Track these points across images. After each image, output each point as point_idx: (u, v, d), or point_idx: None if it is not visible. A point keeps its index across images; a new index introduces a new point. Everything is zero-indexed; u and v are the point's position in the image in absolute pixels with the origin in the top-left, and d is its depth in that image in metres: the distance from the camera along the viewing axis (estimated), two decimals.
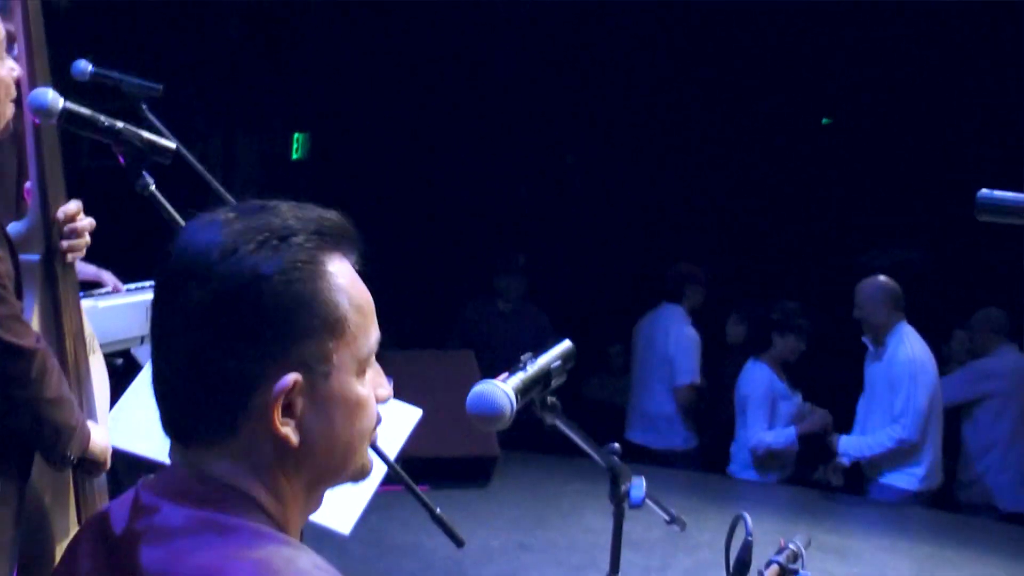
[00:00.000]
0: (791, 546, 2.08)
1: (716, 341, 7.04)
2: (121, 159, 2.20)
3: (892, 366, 5.58)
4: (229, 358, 1.14)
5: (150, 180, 2.20)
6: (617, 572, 2.18)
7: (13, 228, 2.37)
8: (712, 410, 6.87)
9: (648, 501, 2.17)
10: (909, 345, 5.57)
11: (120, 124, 2.21)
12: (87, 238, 2.46)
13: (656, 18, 9.04)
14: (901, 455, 5.62)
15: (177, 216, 2.17)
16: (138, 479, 1.19)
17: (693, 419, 6.77)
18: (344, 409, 1.21)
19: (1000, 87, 8.28)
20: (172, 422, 1.19)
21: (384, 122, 8.89)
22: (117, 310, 3.21)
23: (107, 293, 3.27)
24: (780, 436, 6.04)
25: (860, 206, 9.28)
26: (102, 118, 2.22)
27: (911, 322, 5.70)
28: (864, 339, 5.73)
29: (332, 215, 1.23)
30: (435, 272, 9.02)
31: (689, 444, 6.77)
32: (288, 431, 1.17)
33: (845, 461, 5.77)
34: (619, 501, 2.13)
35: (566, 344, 2.00)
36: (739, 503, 5.18)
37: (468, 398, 1.71)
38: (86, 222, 2.43)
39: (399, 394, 2.72)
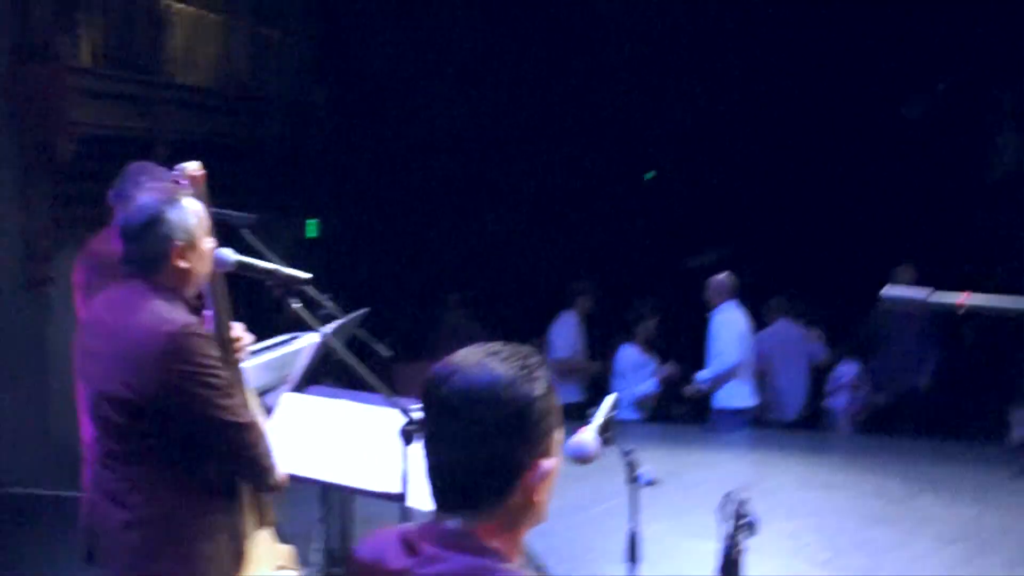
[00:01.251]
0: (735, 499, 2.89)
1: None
2: (276, 290, 3.15)
3: (713, 326, 8.18)
4: (515, 453, 1.66)
5: (296, 303, 3.15)
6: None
7: None
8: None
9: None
10: (727, 313, 8.16)
11: (272, 266, 3.19)
12: (247, 348, 3.40)
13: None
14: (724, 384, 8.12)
15: (310, 319, 3.23)
16: None
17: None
18: (555, 476, 1.72)
19: None
20: (451, 494, 1.69)
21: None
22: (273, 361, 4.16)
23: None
24: (646, 387, 8.58)
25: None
26: (260, 264, 3.18)
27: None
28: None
29: (538, 352, 1.77)
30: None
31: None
32: (538, 496, 1.69)
33: (701, 387, 8.20)
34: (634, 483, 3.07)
35: (613, 398, 3.06)
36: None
37: (567, 448, 2.54)
38: (247, 339, 3.35)
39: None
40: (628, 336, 8.93)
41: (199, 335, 2.87)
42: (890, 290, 1.77)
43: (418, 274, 12.13)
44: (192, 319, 2.93)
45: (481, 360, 1.69)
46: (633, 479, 3.04)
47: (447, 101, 12.75)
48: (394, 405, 3.07)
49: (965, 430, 8.63)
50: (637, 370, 8.73)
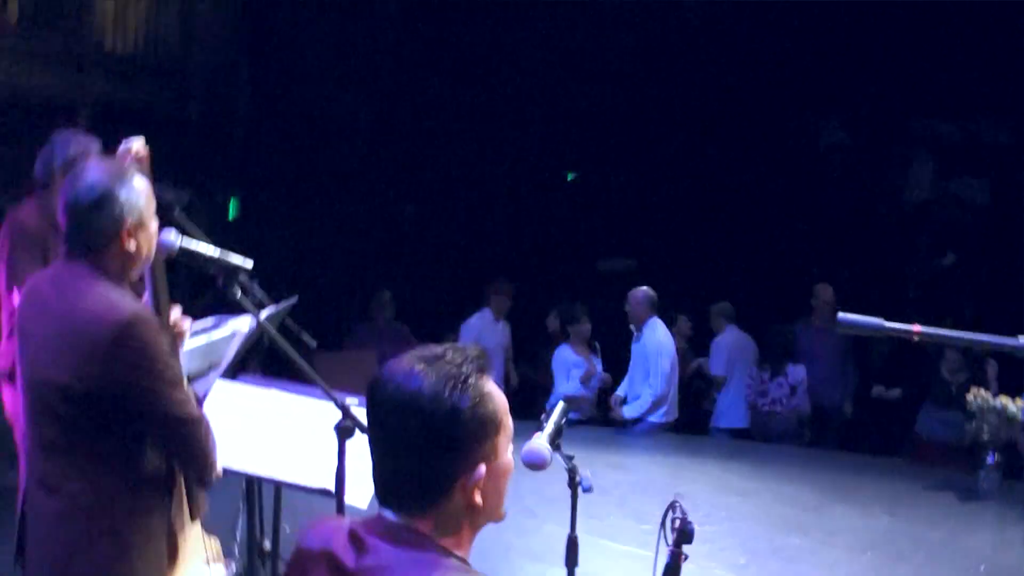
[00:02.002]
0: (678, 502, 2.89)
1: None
2: (219, 278, 3.00)
3: (646, 347, 8.28)
4: (442, 463, 1.71)
5: (237, 290, 3.00)
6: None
7: None
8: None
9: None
10: (658, 332, 8.30)
11: (217, 253, 3.03)
12: (185, 334, 3.33)
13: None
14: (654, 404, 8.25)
15: (252, 308, 3.10)
16: None
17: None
18: (505, 477, 1.79)
19: None
20: (391, 495, 1.75)
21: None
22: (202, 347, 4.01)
23: None
24: (571, 388, 8.60)
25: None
26: (205, 252, 3.03)
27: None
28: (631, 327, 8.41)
29: (481, 352, 1.80)
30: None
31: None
32: (478, 498, 1.73)
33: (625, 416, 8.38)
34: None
35: (562, 406, 3.12)
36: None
37: (522, 454, 2.63)
38: (185, 324, 3.23)
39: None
40: (563, 337, 9.03)
41: (148, 324, 2.75)
42: (845, 316, 1.83)
43: (338, 260, 11.97)
44: (141, 307, 2.82)
45: (412, 369, 1.73)
46: (574, 484, 3.02)
47: (373, 82, 12.63)
48: (330, 398, 2.99)
49: (878, 444, 8.85)
50: (571, 369, 8.76)
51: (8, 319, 5.10)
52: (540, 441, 2.83)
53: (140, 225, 2.84)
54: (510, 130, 13.32)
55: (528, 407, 9.52)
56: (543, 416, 2.98)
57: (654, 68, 12.97)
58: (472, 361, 1.75)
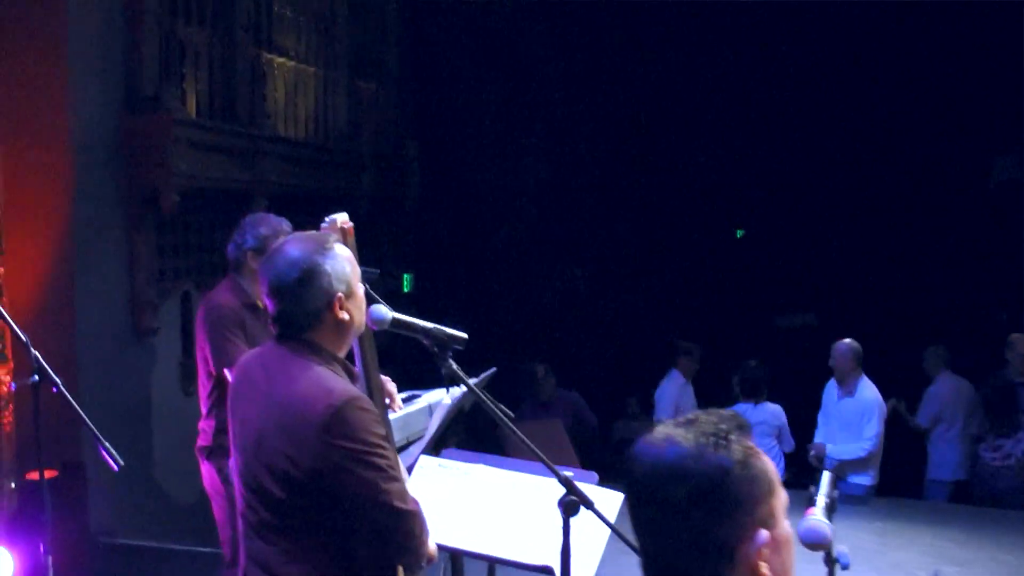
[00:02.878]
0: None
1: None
2: (432, 348, 2.92)
3: (861, 403, 8.01)
4: (716, 530, 1.54)
5: (454, 364, 2.92)
6: None
7: None
8: None
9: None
10: (872, 389, 8.04)
11: (431, 325, 2.96)
12: (398, 405, 3.43)
13: None
14: (862, 462, 7.97)
15: (472, 386, 2.96)
16: None
17: None
18: (788, 546, 1.63)
19: None
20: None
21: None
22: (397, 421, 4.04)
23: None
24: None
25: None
26: (419, 322, 2.97)
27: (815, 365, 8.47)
28: (832, 383, 8.24)
29: (734, 413, 1.67)
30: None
31: None
32: (765, 571, 1.56)
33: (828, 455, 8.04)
34: None
35: (829, 476, 2.97)
36: None
37: (801, 532, 2.50)
38: (399, 400, 3.38)
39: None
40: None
41: (364, 409, 2.69)
42: None
43: (509, 331, 12.00)
44: (356, 391, 2.75)
45: (668, 436, 1.60)
46: (831, 561, 2.86)
47: (538, 151, 12.75)
48: (552, 473, 2.89)
49: None
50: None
51: (207, 398, 5.20)
52: (820, 517, 2.68)
53: (350, 295, 2.81)
54: (678, 189, 13.26)
55: None
56: (811, 488, 2.80)
57: (815, 116, 12.80)
58: (728, 420, 1.63)
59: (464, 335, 3.03)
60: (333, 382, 2.69)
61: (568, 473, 2.86)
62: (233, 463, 2.90)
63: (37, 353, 3.66)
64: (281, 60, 8.94)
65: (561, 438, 7.68)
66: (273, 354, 2.83)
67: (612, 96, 13.01)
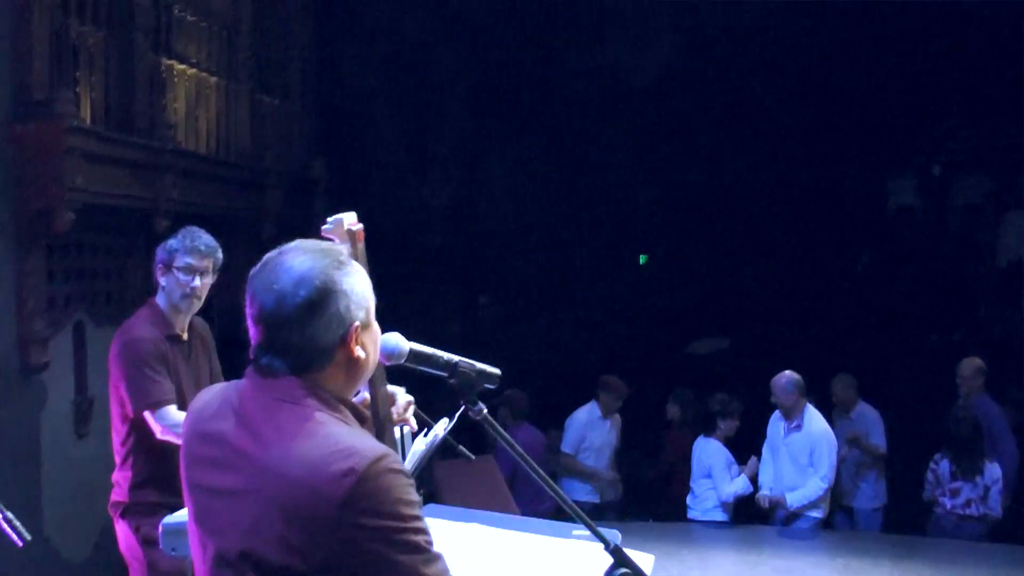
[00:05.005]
0: None
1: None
2: (456, 387, 2.40)
3: (810, 437, 7.57)
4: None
5: (483, 406, 2.38)
6: None
7: None
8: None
9: None
10: (820, 421, 7.66)
11: (456, 358, 2.42)
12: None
13: None
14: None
15: (506, 436, 2.41)
16: None
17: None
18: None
19: None
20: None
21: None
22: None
23: None
24: (741, 487, 7.88)
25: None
26: (442, 354, 2.43)
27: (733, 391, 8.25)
28: (777, 416, 7.78)
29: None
30: None
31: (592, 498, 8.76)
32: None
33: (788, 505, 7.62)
34: None
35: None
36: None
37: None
38: (410, 414, 2.99)
39: None
40: (706, 431, 8.21)
41: (394, 471, 1.96)
42: None
43: None
44: (380, 447, 2.01)
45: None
46: None
47: (444, 179, 12.30)
48: (598, 538, 2.28)
49: None
50: (730, 466, 8.03)
51: (121, 446, 4.47)
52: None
53: (367, 325, 2.11)
54: (584, 214, 12.95)
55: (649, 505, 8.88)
56: None
57: (718, 134, 12.64)
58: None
59: (497, 372, 2.45)
60: (349, 438, 1.99)
61: (615, 532, 2.26)
62: (194, 547, 2.13)
63: None
64: (182, 68, 8.21)
65: (494, 479, 6.99)
66: (252, 399, 2.08)
67: (519, 117, 12.63)
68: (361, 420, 2.13)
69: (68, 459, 6.67)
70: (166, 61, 7.95)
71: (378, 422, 2.50)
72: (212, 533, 2.07)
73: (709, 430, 8.11)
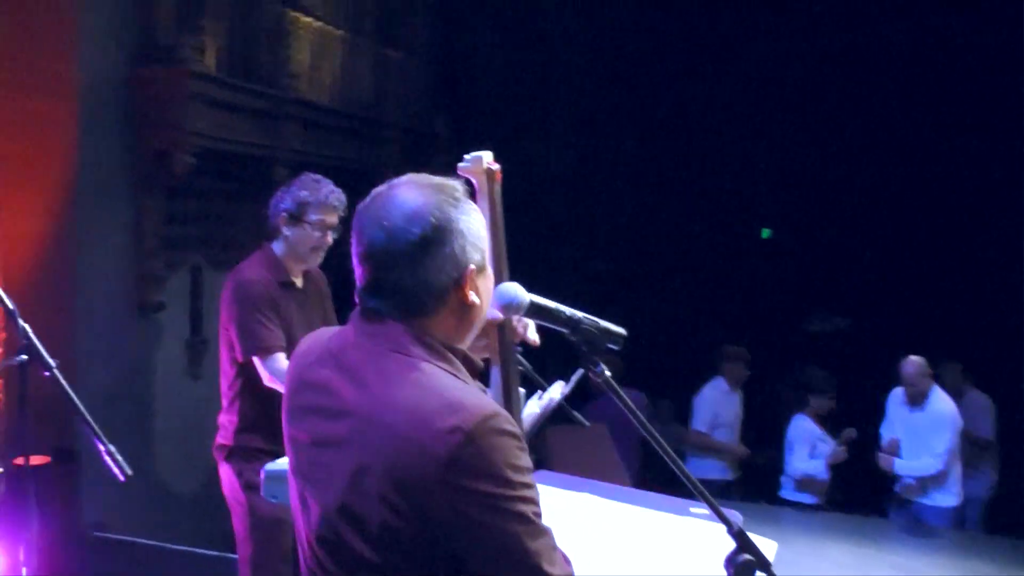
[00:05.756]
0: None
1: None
2: (579, 346, 2.21)
3: (933, 415, 7.36)
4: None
5: (604, 367, 2.19)
6: None
7: None
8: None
9: None
10: (946, 401, 7.45)
11: (580, 314, 2.24)
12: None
13: None
14: (937, 478, 7.35)
15: (628, 401, 2.16)
16: None
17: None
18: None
19: None
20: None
21: None
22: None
23: None
24: (812, 467, 7.78)
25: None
26: (564, 309, 2.24)
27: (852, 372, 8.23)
28: (898, 397, 7.59)
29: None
30: None
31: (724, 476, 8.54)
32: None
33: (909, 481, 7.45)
34: None
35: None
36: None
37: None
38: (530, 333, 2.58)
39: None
40: (798, 406, 8.05)
41: (506, 432, 1.81)
42: None
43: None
44: (492, 405, 1.86)
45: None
46: None
47: (565, 142, 12.14)
48: (720, 519, 2.08)
49: None
50: (815, 444, 7.84)
51: (229, 389, 4.49)
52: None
53: (482, 269, 1.98)
54: (704, 184, 12.67)
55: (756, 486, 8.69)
56: None
57: (851, 111, 12.22)
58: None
59: (622, 331, 2.29)
60: (459, 392, 1.85)
61: (735, 513, 2.13)
62: (293, 499, 2.05)
63: (27, 326, 2.94)
64: (306, 20, 8.21)
65: (606, 448, 6.83)
66: (359, 345, 1.96)
67: (642, 85, 12.43)
68: (473, 372, 2.00)
69: (180, 398, 6.77)
70: (291, 12, 7.95)
71: (508, 392, 2.36)
72: (313, 483, 1.98)
73: (801, 406, 7.99)
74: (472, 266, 1.94)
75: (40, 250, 5.84)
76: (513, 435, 1.82)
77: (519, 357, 2.78)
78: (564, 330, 2.22)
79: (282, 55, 7.75)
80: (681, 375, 9.46)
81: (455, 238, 1.92)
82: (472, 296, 1.95)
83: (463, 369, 1.96)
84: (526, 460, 1.84)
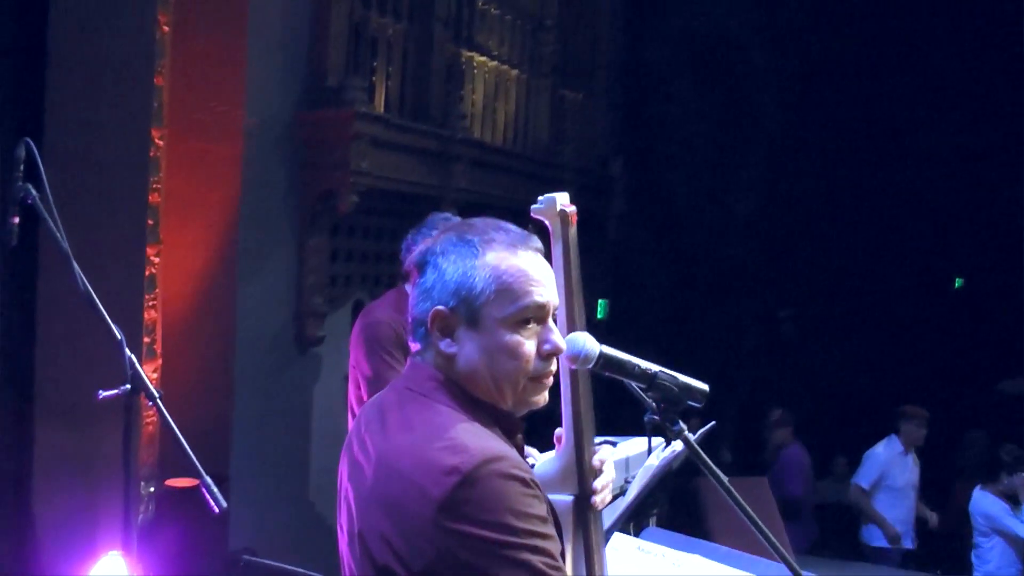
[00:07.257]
0: None
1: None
2: (655, 403, 2.09)
3: None
4: None
5: (684, 425, 2.09)
6: None
7: (542, 469, 2.23)
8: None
9: None
10: None
11: (655, 368, 2.11)
12: (609, 489, 2.28)
13: None
14: None
15: (716, 470, 2.07)
16: None
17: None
18: None
19: None
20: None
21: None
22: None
23: None
24: None
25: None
26: (637, 362, 2.12)
27: None
28: None
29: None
30: None
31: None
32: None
33: None
34: None
35: None
36: None
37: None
38: (608, 476, 2.26)
39: None
40: (983, 480, 7.66)
41: (507, 476, 1.75)
42: None
43: (704, 372, 11.17)
44: (499, 449, 1.81)
45: None
46: None
47: (749, 187, 11.89)
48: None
49: None
50: (1008, 515, 7.45)
51: None
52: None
53: (472, 323, 1.93)
54: (895, 233, 12.18)
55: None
56: None
57: None
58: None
59: (704, 387, 2.18)
60: (467, 435, 1.80)
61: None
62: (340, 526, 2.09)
63: (133, 356, 3.05)
64: (481, 59, 8.34)
65: (767, 502, 6.55)
66: (394, 387, 2.01)
67: (831, 131, 12.07)
68: (510, 432, 1.95)
69: (337, 431, 6.91)
70: (466, 53, 8.10)
71: (580, 451, 2.19)
72: (339, 526, 2.04)
73: (989, 481, 7.53)
74: (441, 307, 1.91)
75: (204, 284, 6.08)
76: (520, 480, 1.76)
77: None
78: (639, 385, 2.11)
79: (455, 95, 7.89)
80: (862, 431, 9.11)
81: (431, 271, 1.92)
82: (444, 344, 1.91)
83: (492, 422, 1.91)
84: (537, 508, 1.77)
